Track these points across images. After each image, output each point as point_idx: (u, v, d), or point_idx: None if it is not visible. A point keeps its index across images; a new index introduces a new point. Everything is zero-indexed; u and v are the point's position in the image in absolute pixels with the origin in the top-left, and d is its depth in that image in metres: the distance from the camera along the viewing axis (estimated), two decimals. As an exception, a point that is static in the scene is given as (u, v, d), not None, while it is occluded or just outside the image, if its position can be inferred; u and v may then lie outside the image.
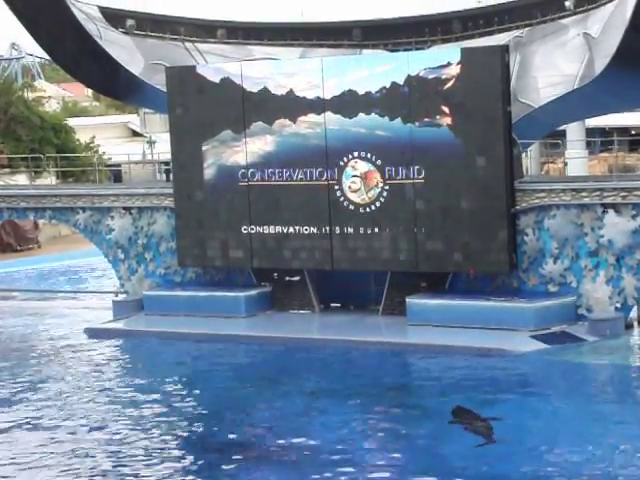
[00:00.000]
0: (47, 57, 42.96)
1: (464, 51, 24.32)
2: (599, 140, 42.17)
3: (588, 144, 39.74)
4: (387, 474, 15.99)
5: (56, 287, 34.39)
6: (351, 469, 16.04)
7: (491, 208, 23.98)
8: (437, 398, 19.74)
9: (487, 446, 16.90)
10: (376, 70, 24.85)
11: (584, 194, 23.76)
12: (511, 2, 26.04)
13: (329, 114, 25.20)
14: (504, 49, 24.23)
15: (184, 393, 21.14)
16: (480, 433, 17.64)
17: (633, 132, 48.43)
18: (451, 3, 27.88)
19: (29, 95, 50.83)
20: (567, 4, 24.77)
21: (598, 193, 23.63)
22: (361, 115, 24.92)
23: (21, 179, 40.19)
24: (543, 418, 18.48)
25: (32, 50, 69.83)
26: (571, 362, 21.88)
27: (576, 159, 33.66)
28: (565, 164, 33.14)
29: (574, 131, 36.26)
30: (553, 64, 24.92)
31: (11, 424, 19.12)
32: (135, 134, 58.42)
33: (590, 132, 40.68)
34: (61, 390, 21.26)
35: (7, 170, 41.80)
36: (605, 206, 23.57)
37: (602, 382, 21.20)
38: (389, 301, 25.35)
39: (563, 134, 35.71)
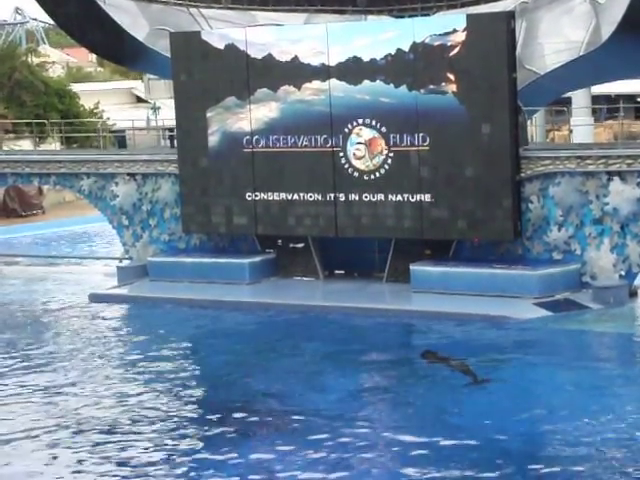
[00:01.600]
0: (51, 22, 42.73)
1: (469, 17, 24.17)
2: (605, 107, 42.00)
3: (594, 111, 39.60)
4: (389, 434, 16.08)
5: (60, 253, 34.47)
6: (353, 430, 16.15)
7: (496, 176, 23.93)
8: (438, 366, 19.79)
9: (491, 409, 16.97)
10: (381, 37, 24.72)
11: (589, 162, 23.70)
12: (517, -32, 25.88)
13: (334, 81, 25.10)
14: (510, 15, 24.09)
15: (187, 359, 21.29)
16: (465, 372, 18.51)
17: (639, 99, 48.20)
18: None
19: (33, 60, 50.63)
20: (573, -30, 24.61)
21: (603, 161, 23.55)
22: (366, 82, 24.81)
23: (25, 144, 40.12)
24: (545, 384, 18.58)
25: (36, 15, 69.63)
26: (575, 329, 21.93)
27: (581, 126, 33.53)
28: (570, 131, 32.99)
29: (580, 98, 36.14)
30: (559, 30, 24.79)
31: (20, 390, 19.22)
32: (139, 100, 58.25)
33: (596, 99, 40.48)
34: (65, 355, 21.37)
35: (11, 135, 41.73)
36: (610, 174, 23.51)
37: (605, 349, 21.27)
38: (393, 268, 25.39)
39: (569, 101, 35.57)
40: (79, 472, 15.21)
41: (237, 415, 17.27)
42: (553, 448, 15.38)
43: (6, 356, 21.53)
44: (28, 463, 15.58)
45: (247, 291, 25.89)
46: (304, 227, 25.92)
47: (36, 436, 16.66)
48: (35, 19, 74.29)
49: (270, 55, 25.70)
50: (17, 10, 73.98)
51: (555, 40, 24.79)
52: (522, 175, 24.15)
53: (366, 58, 24.73)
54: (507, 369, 19.49)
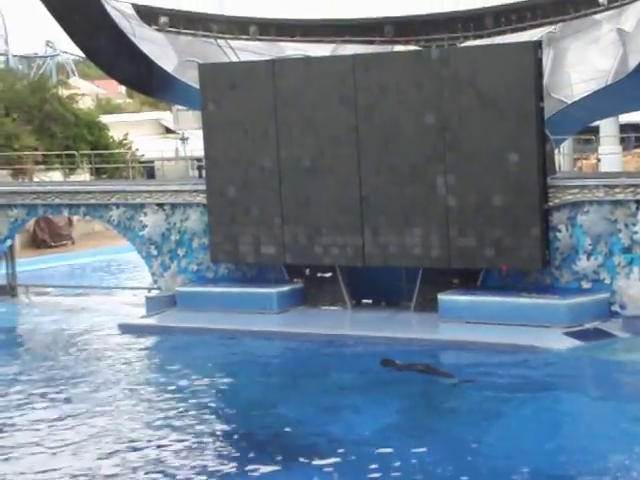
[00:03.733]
0: (81, 55, 43.23)
1: (496, 47, 24.23)
2: (633, 136, 41.90)
3: (622, 140, 39.50)
4: (419, 467, 16.00)
5: (90, 283, 34.65)
6: (382, 464, 16.04)
7: (524, 204, 23.88)
8: (468, 395, 19.70)
9: (522, 442, 16.85)
10: (408, 66, 24.80)
11: (617, 190, 23.63)
12: (544, -3, 25.96)
13: (361, 109, 25.16)
14: (537, 44, 24.12)
15: (216, 388, 21.24)
16: (437, 374, 19.25)
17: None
18: (483, -1, 27.81)
19: (63, 92, 51.17)
20: (601, 0, 24.64)
21: (632, 189, 23.47)
22: (393, 111, 24.85)
23: (55, 176, 40.47)
24: (577, 416, 18.42)
25: (67, 48, 70.42)
26: (606, 359, 21.74)
27: (609, 155, 33.45)
28: (598, 160, 32.94)
29: (607, 127, 36.08)
30: (586, 60, 24.80)
31: (50, 417, 19.28)
32: (168, 131, 58.67)
33: (623, 128, 40.40)
34: (95, 385, 21.43)
35: (42, 167, 42.10)
36: (639, 202, 23.40)
37: (637, 379, 21.06)
38: (421, 297, 25.34)
39: (596, 130, 35.51)
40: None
41: (267, 445, 17.21)
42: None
43: (34, 385, 21.61)
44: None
45: (275, 320, 25.91)
46: (331, 256, 25.94)
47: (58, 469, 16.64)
48: (65, 52, 75.12)
49: (297, 86, 25.84)
50: (48, 43, 74.83)
51: (582, 69, 24.81)
52: (550, 204, 24.11)
53: (393, 88, 24.81)
54: (539, 400, 19.30)
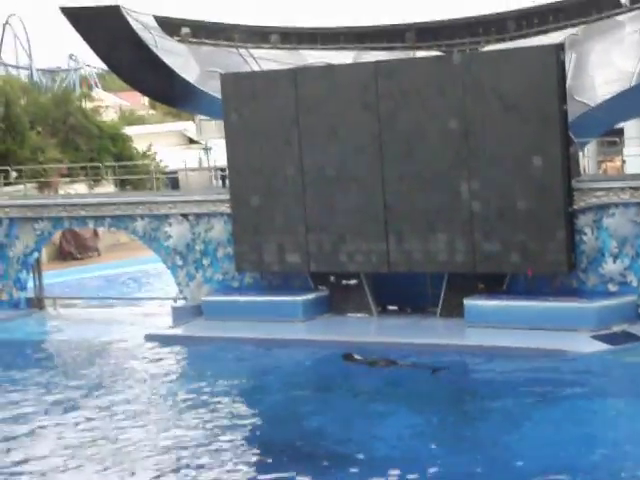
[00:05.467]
0: (104, 67, 43.47)
1: (519, 50, 24.16)
2: (658, 137, 41.54)
3: (647, 141, 39.22)
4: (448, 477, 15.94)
5: (116, 294, 34.78)
6: (406, 473, 15.97)
7: (549, 208, 23.78)
8: (497, 400, 19.61)
9: (553, 446, 16.77)
10: (429, 72, 24.77)
11: (643, 192, 23.48)
12: (566, 0, 25.87)
13: (383, 116, 25.14)
14: (559, 47, 24.03)
15: (243, 397, 21.28)
16: (403, 366, 20.99)
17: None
18: (505, 2, 27.78)
19: (87, 105, 51.46)
20: (623, 1, 24.54)
21: (657, 191, 23.33)
22: (415, 117, 24.84)
23: (80, 188, 40.70)
24: (609, 419, 18.29)
25: (89, 60, 70.86)
26: (635, 362, 21.59)
27: (634, 157, 33.26)
28: (623, 162, 32.75)
29: (632, 129, 35.85)
30: (610, 61, 24.70)
31: (77, 429, 19.39)
32: (191, 141, 58.87)
33: (648, 129, 40.11)
34: (124, 396, 21.50)
35: (67, 179, 42.37)
36: (665, 204, 23.27)
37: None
38: (447, 303, 25.27)
39: (621, 132, 35.32)
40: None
41: (293, 454, 17.20)
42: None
43: (61, 396, 21.71)
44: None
45: (301, 328, 25.90)
46: (356, 264, 25.91)
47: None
48: (89, 65, 75.55)
49: (319, 94, 25.82)
50: (71, 56, 75.28)
51: (606, 71, 24.71)
52: (575, 207, 23.99)
53: (415, 94, 24.76)
54: (569, 404, 19.20)
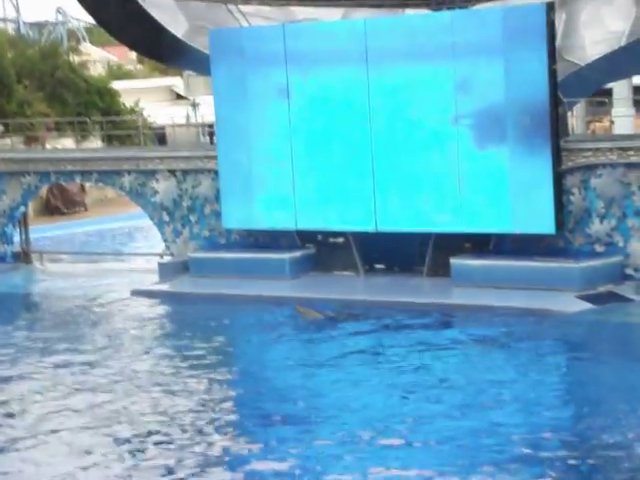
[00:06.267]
0: (92, 21, 43.06)
1: (509, 9, 24.02)
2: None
3: (635, 102, 39.21)
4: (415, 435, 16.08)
5: (103, 249, 34.78)
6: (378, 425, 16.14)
7: (536, 168, 23.75)
8: (477, 357, 19.77)
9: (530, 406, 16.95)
10: (419, 30, 24.64)
11: (631, 152, 23.47)
12: (557, -42, 25.68)
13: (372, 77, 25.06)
14: (549, 7, 23.89)
15: (227, 355, 21.46)
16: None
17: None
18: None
19: (75, 59, 51.06)
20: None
21: (645, 152, 23.34)
22: (403, 73, 24.74)
23: (67, 143, 40.48)
24: (590, 378, 18.44)
25: (77, 14, 70.21)
26: (620, 322, 21.75)
27: (623, 117, 33.26)
28: (612, 122, 32.75)
29: (621, 89, 35.81)
30: (600, 21, 24.60)
31: (69, 384, 19.45)
32: (179, 97, 58.53)
33: (637, 90, 40.06)
34: (109, 351, 21.57)
35: (54, 134, 42.14)
36: (652, 165, 23.29)
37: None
38: (433, 262, 25.31)
39: (610, 92, 35.27)
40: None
41: (277, 413, 17.22)
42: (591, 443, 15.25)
43: (47, 349, 21.79)
44: (57, 465, 15.48)
45: (287, 286, 25.94)
46: (343, 222, 25.89)
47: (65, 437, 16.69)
48: (76, 19, 74.90)
49: (309, 50, 25.65)
50: (58, 10, 74.59)
51: (596, 31, 24.60)
52: (563, 167, 23.99)
53: (404, 52, 24.62)
54: (553, 362, 19.38)
